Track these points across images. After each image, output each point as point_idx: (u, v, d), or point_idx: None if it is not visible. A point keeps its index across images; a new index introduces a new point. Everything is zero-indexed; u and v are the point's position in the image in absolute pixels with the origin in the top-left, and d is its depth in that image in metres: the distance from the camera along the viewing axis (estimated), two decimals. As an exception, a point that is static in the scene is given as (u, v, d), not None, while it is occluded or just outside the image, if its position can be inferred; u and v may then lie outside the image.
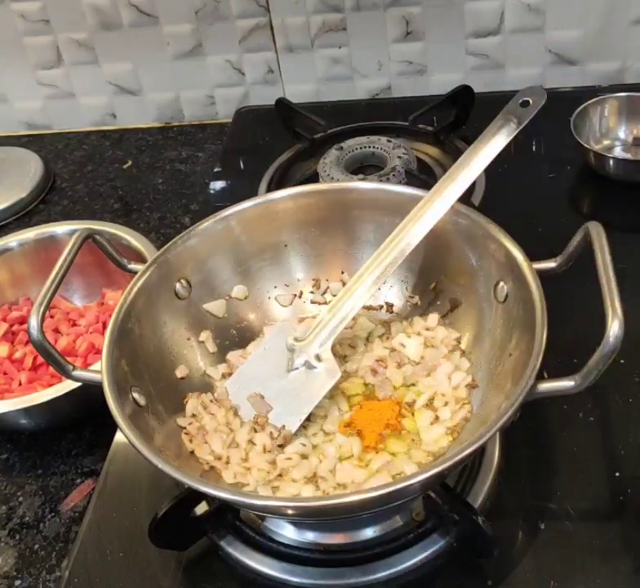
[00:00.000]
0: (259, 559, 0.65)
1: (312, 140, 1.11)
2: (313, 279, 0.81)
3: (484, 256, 0.70)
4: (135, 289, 0.70)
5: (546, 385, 0.56)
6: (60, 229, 0.97)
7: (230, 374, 0.75)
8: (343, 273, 0.81)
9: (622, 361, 0.74)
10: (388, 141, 1.03)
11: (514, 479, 0.69)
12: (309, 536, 0.67)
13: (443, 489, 0.60)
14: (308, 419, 0.69)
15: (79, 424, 0.82)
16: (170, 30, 1.20)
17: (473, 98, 1.08)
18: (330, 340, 0.71)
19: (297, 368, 0.71)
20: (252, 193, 1.02)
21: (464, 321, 0.74)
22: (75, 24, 1.20)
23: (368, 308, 0.80)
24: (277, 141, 1.14)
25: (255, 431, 0.69)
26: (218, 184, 1.11)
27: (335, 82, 1.24)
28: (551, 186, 1.00)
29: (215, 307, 0.78)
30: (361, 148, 1.03)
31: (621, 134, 1.03)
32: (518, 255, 0.65)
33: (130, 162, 1.23)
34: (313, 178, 1.03)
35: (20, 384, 0.85)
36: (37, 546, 0.73)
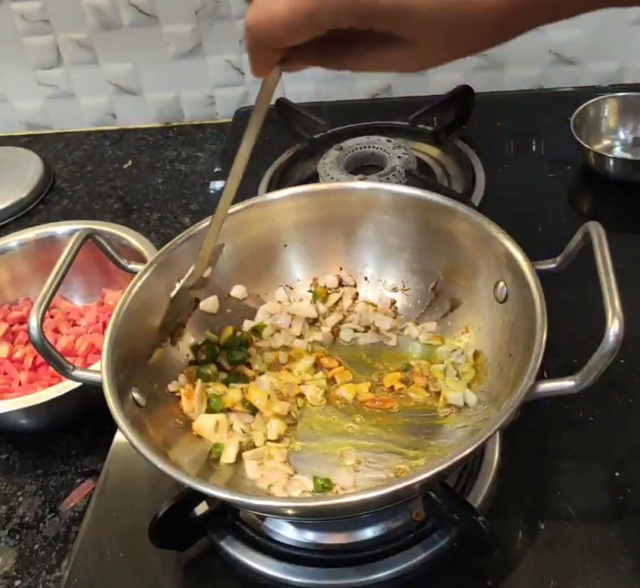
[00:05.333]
0: (259, 559, 0.65)
1: (312, 140, 1.11)
2: (313, 279, 0.81)
3: (484, 256, 0.70)
4: (135, 289, 0.70)
5: (546, 385, 0.56)
6: (59, 229, 0.97)
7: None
8: (341, 269, 0.81)
9: (622, 361, 0.74)
10: (388, 141, 1.03)
11: (514, 479, 0.69)
12: (309, 536, 0.67)
13: (443, 489, 0.60)
14: None
15: (79, 424, 0.82)
16: (170, 30, 1.20)
17: (473, 98, 1.08)
18: None
19: None
20: (252, 193, 1.02)
21: (464, 321, 0.74)
22: (75, 24, 1.20)
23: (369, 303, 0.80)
24: (277, 141, 1.14)
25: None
26: (218, 184, 1.11)
27: (335, 82, 1.23)
28: (551, 186, 1.00)
29: (209, 305, 0.77)
30: (361, 148, 1.03)
31: (621, 134, 1.03)
32: (518, 255, 0.65)
33: (130, 162, 1.23)
34: (313, 178, 1.03)
35: (20, 384, 0.85)
36: (37, 546, 0.73)
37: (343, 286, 0.80)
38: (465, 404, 0.69)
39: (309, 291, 0.81)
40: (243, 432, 0.69)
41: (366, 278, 0.81)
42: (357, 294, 0.81)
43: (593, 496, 0.67)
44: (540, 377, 0.56)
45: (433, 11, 0.44)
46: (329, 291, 0.80)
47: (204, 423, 0.69)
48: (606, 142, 1.03)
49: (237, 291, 0.79)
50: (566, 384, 0.56)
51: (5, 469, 0.81)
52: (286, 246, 0.80)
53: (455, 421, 0.68)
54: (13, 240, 0.96)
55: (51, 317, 0.93)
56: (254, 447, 0.69)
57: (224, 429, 0.69)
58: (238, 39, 1.20)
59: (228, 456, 0.67)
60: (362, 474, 0.66)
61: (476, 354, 0.71)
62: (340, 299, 0.80)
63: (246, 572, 0.65)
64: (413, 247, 0.77)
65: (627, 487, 0.67)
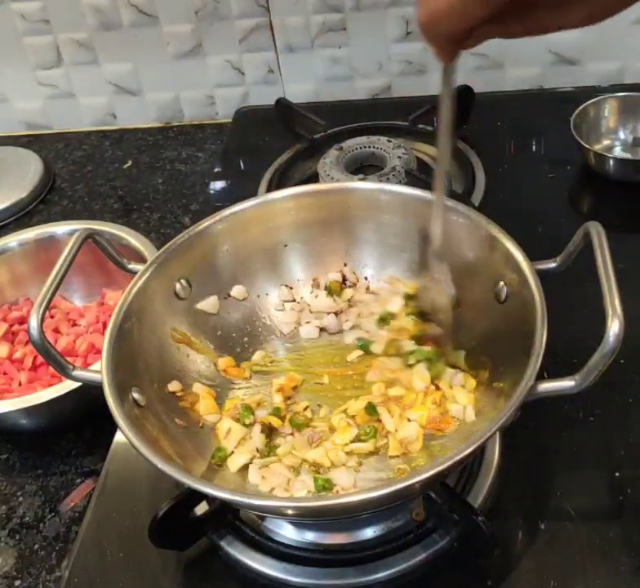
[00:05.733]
0: (259, 559, 0.65)
1: (312, 140, 1.11)
2: (313, 279, 0.81)
3: (484, 256, 0.70)
4: (135, 289, 0.70)
5: (546, 385, 0.56)
6: (59, 229, 0.97)
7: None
8: (346, 265, 0.80)
9: (622, 361, 0.74)
10: (388, 141, 1.03)
11: (514, 479, 0.69)
12: (309, 536, 0.67)
13: (443, 489, 0.60)
14: None
15: (79, 424, 0.82)
16: (170, 30, 1.20)
17: (473, 98, 1.08)
18: None
19: None
20: (252, 193, 1.02)
21: (463, 321, 0.74)
22: (75, 24, 1.20)
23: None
24: (277, 141, 1.14)
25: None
26: (218, 184, 1.11)
27: (335, 82, 1.24)
28: (551, 186, 1.00)
29: (208, 305, 0.77)
30: (361, 148, 1.03)
31: (621, 134, 1.03)
32: (518, 255, 0.65)
33: (130, 162, 1.23)
34: (313, 178, 1.03)
35: (20, 384, 0.85)
36: (37, 546, 0.73)
37: (346, 283, 0.80)
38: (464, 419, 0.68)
39: (311, 292, 0.81)
40: (257, 450, 0.69)
41: (366, 278, 0.81)
42: (368, 287, 0.80)
43: (593, 496, 0.67)
44: (540, 377, 0.56)
45: None
46: (342, 287, 0.80)
47: (219, 426, 0.70)
48: (606, 142, 1.03)
49: (237, 291, 0.79)
50: (566, 384, 0.56)
51: (5, 469, 0.81)
52: (286, 246, 0.80)
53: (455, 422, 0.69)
54: (13, 240, 0.96)
55: (51, 317, 0.93)
56: (268, 455, 0.69)
57: (234, 439, 0.69)
58: (238, 39, 1.20)
59: (235, 465, 0.67)
60: (362, 474, 0.66)
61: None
62: (354, 294, 0.80)
63: (246, 572, 0.65)
64: (413, 247, 0.77)
65: (627, 487, 0.67)
